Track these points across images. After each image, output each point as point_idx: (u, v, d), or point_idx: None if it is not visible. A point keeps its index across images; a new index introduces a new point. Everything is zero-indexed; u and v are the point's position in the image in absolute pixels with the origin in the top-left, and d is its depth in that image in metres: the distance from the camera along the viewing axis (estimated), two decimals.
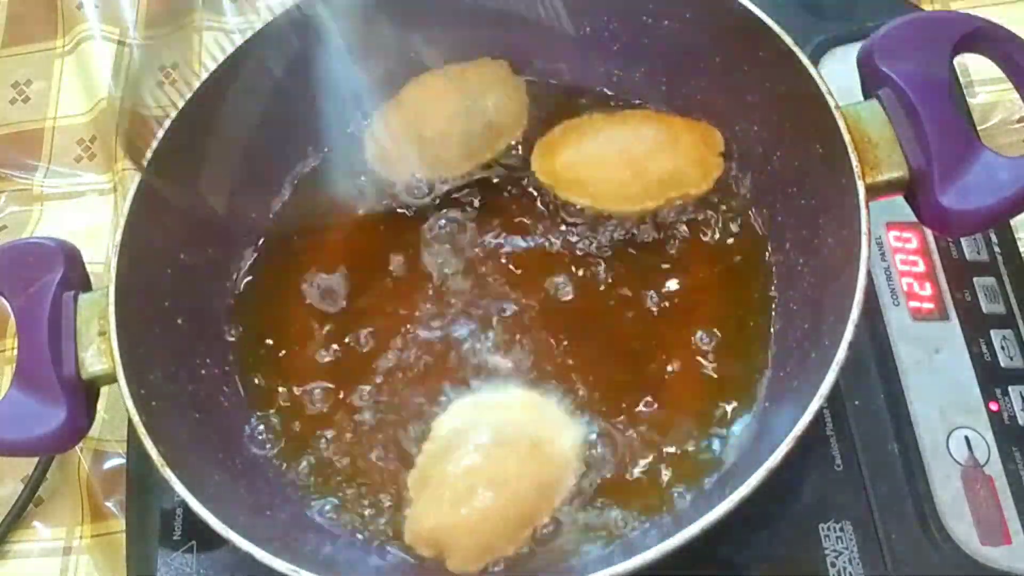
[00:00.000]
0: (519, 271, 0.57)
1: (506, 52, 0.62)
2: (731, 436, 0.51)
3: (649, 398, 0.52)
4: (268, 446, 0.54)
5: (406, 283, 0.58)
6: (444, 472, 0.50)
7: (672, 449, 0.51)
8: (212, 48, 0.70)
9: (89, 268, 0.53)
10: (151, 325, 0.52)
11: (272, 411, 0.55)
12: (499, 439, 0.50)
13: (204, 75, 0.55)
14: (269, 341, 0.57)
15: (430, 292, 0.57)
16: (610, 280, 0.56)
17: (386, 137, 0.61)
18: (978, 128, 0.63)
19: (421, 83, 0.62)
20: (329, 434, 0.54)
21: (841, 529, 0.52)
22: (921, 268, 0.58)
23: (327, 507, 0.52)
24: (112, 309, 0.49)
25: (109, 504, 0.60)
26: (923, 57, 0.49)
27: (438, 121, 0.60)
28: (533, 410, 0.52)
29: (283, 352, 0.57)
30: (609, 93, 0.62)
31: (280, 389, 0.56)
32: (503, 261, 0.58)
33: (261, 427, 0.55)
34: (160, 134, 0.53)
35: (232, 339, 0.57)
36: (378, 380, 0.55)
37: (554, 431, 0.51)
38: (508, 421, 0.51)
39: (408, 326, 0.56)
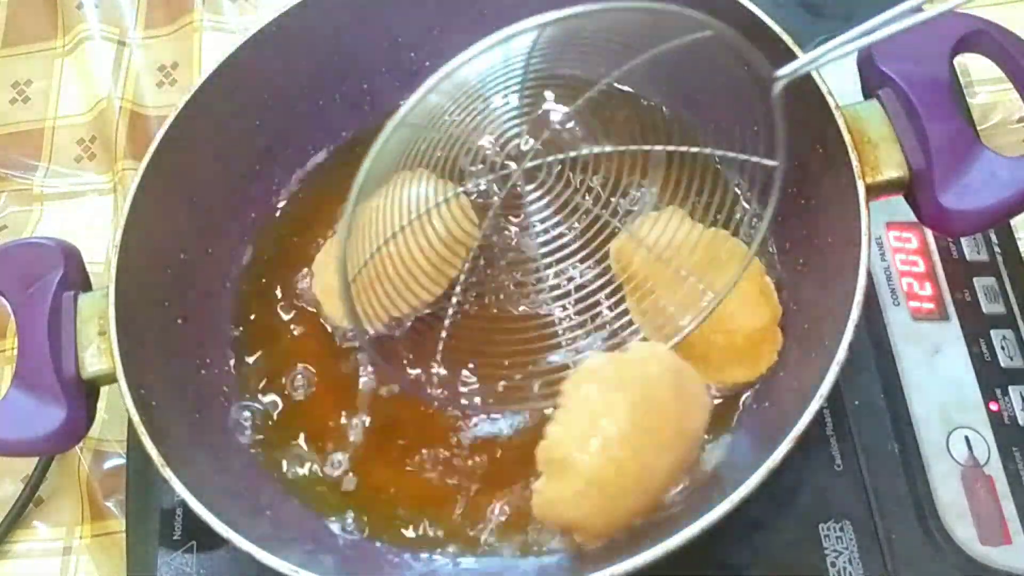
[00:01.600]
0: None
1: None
2: (731, 436, 0.51)
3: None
4: (270, 447, 0.54)
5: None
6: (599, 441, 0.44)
7: None
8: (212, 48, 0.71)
9: (89, 268, 0.53)
10: (151, 325, 0.52)
11: (275, 411, 0.55)
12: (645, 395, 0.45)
13: (204, 75, 0.55)
14: (274, 339, 0.57)
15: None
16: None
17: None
18: (978, 128, 0.63)
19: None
20: (334, 433, 0.54)
21: (841, 529, 0.52)
22: (921, 268, 0.58)
23: (335, 511, 0.52)
24: (112, 309, 0.49)
25: (109, 504, 0.60)
26: (923, 57, 0.49)
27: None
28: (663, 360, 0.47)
29: (287, 350, 0.57)
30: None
31: (284, 388, 0.56)
32: None
33: (263, 425, 0.55)
34: (160, 133, 0.53)
35: (234, 337, 0.58)
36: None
37: (686, 374, 0.47)
38: (647, 376, 0.46)
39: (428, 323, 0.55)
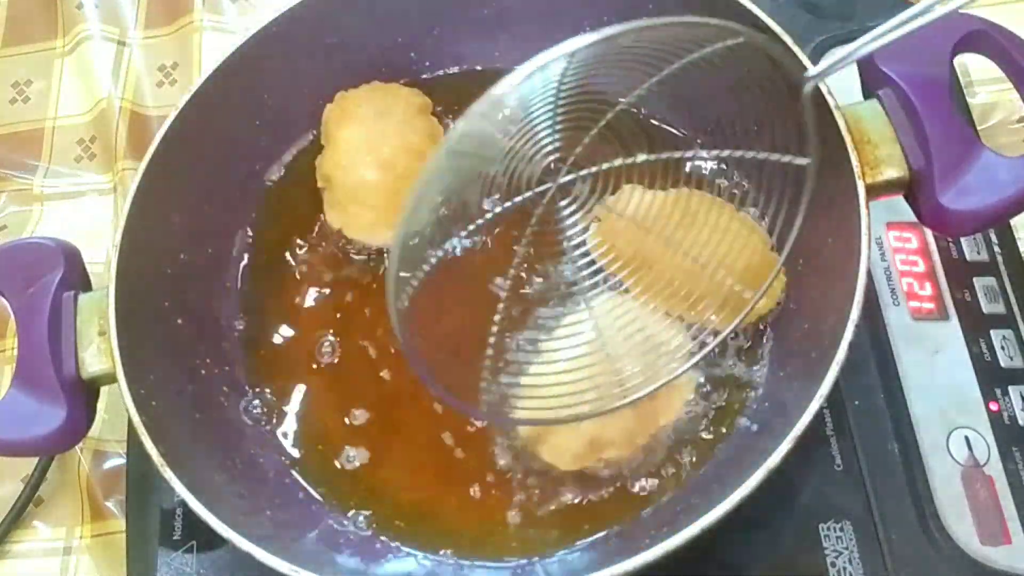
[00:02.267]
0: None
1: (505, 54, 0.62)
2: (731, 437, 0.51)
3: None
4: (271, 446, 0.54)
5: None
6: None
7: (671, 450, 0.51)
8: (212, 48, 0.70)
9: (89, 268, 0.53)
10: (151, 325, 0.52)
11: (276, 410, 0.55)
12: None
13: (204, 75, 0.55)
14: (274, 339, 0.58)
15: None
16: None
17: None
18: (978, 128, 0.63)
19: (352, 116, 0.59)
20: (337, 432, 0.54)
21: (841, 529, 0.52)
22: (921, 268, 0.58)
23: (337, 510, 0.52)
24: (112, 309, 0.49)
25: (109, 504, 0.60)
26: (923, 57, 0.49)
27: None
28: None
29: (288, 348, 0.57)
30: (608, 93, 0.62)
31: (285, 388, 0.56)
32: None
33: (263, 425, 0.55)
34: (160, 133, 0.53)
35: (237, 336, 0.58)
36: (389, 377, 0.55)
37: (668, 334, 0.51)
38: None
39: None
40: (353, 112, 0.59)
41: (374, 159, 0.57)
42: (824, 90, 0.49)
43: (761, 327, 0.53)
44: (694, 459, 0.51)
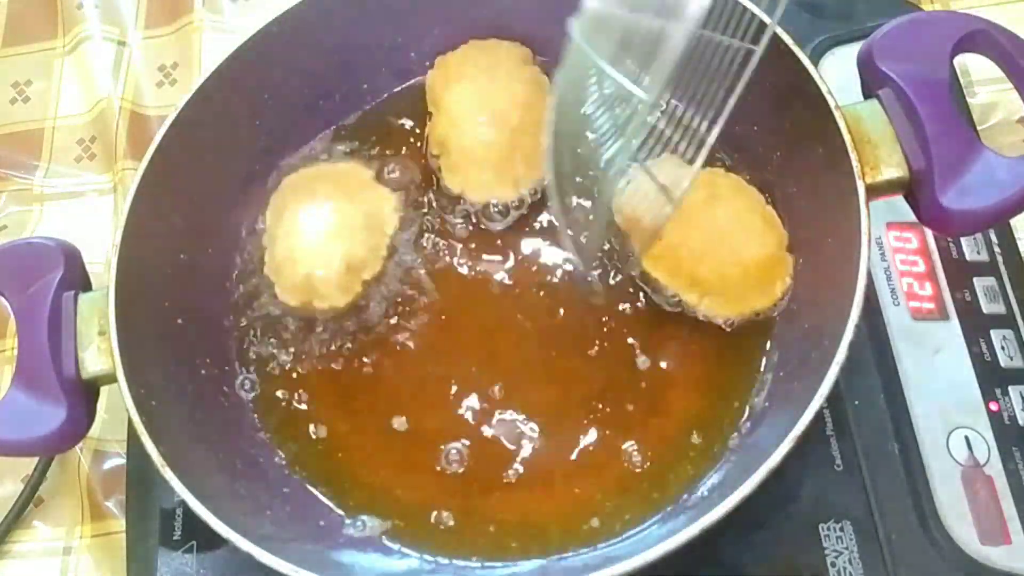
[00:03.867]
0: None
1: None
2: (731, 437, 0.51)
3: (645, 399, 0.53)
4: (271, 446, 0.54)
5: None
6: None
7: (670, 450, 0.51)
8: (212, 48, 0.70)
9: (89, 268, 0.53)
10: (151, 325, 0.52)
11: (276, 410, 0.55)
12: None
13: (204, 75, 0.55)
14: (273, 341, 0.57)
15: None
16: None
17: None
18: (978, 128, 0.63)
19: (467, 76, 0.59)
20: (337, 432, 0.54)
21: (841, 529, 0.52)
22: (921, 268, 0.58)
23: (331, 506, 0.52)
24: (112, 309, 0.49)
25: (109, 504, 0.60)
26: (923, 57, 0.49)
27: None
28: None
29: (288, 348, 0.57)
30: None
31: (286, 387, 0.56)
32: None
33: (263, 424, 0.55)
34: (160, 133, 0.53)
35: (237, 336, 0.57)
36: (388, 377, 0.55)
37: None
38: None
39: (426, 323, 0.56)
40: (458, 72, 0.59)
41: (488, 115, 0.57)
42: (824, 90, 0.49)
43: (761, 317, 0.53)
44: (694, 459, 0.51)
